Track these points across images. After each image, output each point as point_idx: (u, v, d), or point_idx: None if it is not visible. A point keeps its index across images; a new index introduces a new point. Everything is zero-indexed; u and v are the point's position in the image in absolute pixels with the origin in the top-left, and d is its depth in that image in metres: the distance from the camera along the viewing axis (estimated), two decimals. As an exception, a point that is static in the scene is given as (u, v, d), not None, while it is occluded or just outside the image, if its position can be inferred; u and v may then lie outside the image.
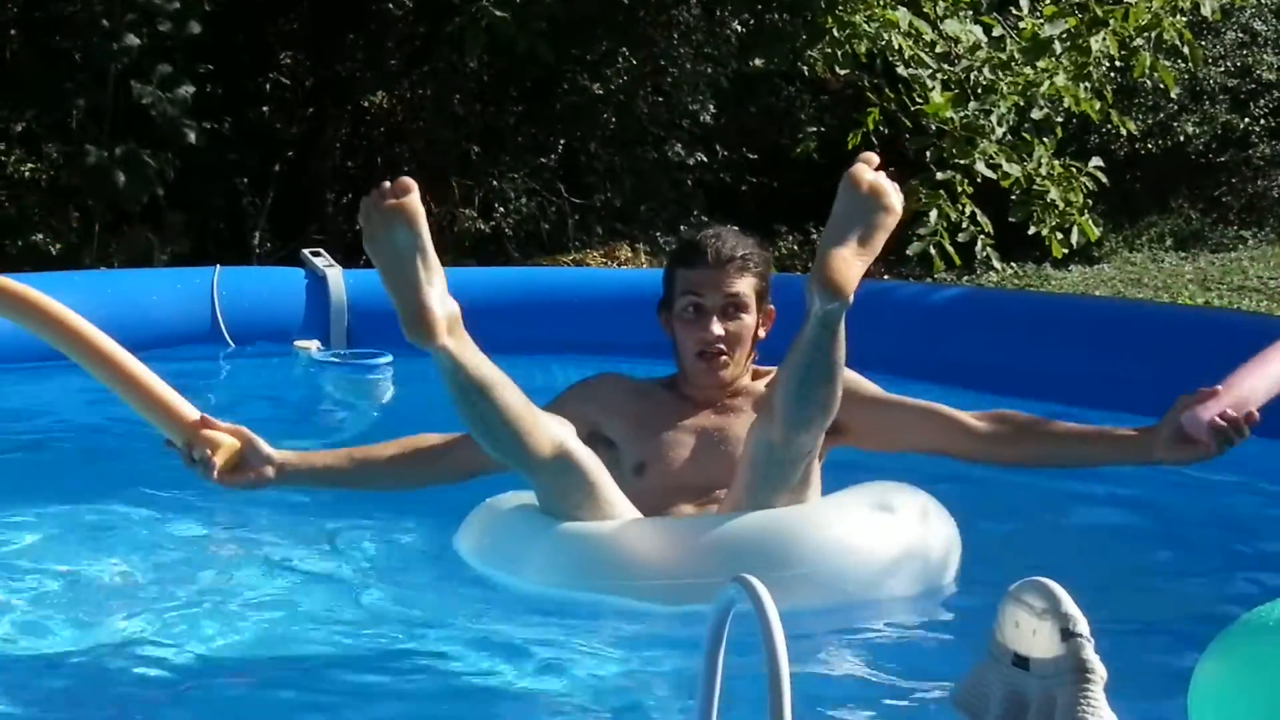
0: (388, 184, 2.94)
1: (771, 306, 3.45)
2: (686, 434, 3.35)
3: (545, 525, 3.22)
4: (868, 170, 2.98)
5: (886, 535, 3.19)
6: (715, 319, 3.33)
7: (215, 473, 3.17)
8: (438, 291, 2.96)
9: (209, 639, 3.06)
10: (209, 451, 3.17)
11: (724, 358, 3.35)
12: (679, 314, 3.38)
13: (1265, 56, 11.73)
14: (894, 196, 2.98)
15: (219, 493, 3.47)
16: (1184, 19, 7.54)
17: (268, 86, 10.62)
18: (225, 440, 3.20)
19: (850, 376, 3.18)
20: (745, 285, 3.36)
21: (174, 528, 3.84)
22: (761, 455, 3.11)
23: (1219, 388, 3.11)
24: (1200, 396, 3.10)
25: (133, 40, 8.57)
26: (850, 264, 2.92)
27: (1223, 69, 11.64)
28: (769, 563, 3.00)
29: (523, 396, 3.09)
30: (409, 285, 2.94)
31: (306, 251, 6.54)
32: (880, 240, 2.99)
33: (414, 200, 2.93)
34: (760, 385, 3.41)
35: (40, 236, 9.04)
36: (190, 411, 3.21)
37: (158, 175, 8.70)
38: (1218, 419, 3.06)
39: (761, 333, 3.42)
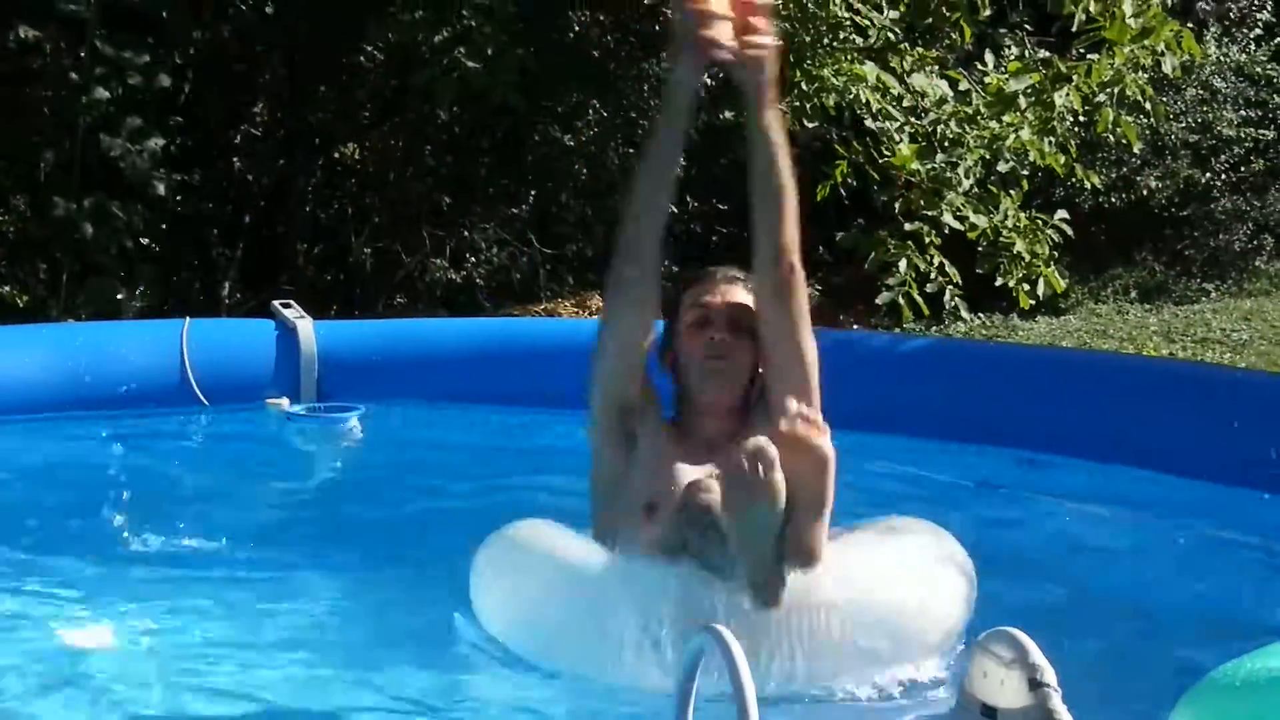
0: (753, 454, 2.87)
1: None
2: (699, 476, 3.29)
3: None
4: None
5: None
6: (721, 325, 3.38)
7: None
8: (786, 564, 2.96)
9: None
10: None
11: (727, 361, 3.37)
12: (686, 327, 3.42)
13: (1225, 113, 11.88)
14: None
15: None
16: (1145, 76, 7.64)
17: (239, 138, 10.64)
18: None
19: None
20: (748, 299, 3.40)
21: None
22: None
23: None
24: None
25: (102, 93, 8.58)
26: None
27: (1184, 125, 11.79)
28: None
29: None
30: (761, 560, 2.94)
31: (277, 303, 6.53)
32: None
33: (779, 479, 2.89)
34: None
35: (7, 288, 9.01)
36: None
37: (126, 227, 8.69)
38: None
39: (761, 369, 3.42)
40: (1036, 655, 1.79)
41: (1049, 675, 1.77)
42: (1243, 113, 11.98)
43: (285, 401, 6.08)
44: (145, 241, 8.98)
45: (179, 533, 4.41)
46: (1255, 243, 11.99)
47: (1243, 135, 11.91)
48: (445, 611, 3.54)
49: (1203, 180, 11.86)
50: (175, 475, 5.36)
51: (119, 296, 8.78)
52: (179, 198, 9.23)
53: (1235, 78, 12.03)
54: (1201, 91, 11.89)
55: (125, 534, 4.09)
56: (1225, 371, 7.39)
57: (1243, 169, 12.07)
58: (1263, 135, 12.02)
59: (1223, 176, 11.96)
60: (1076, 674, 1.93)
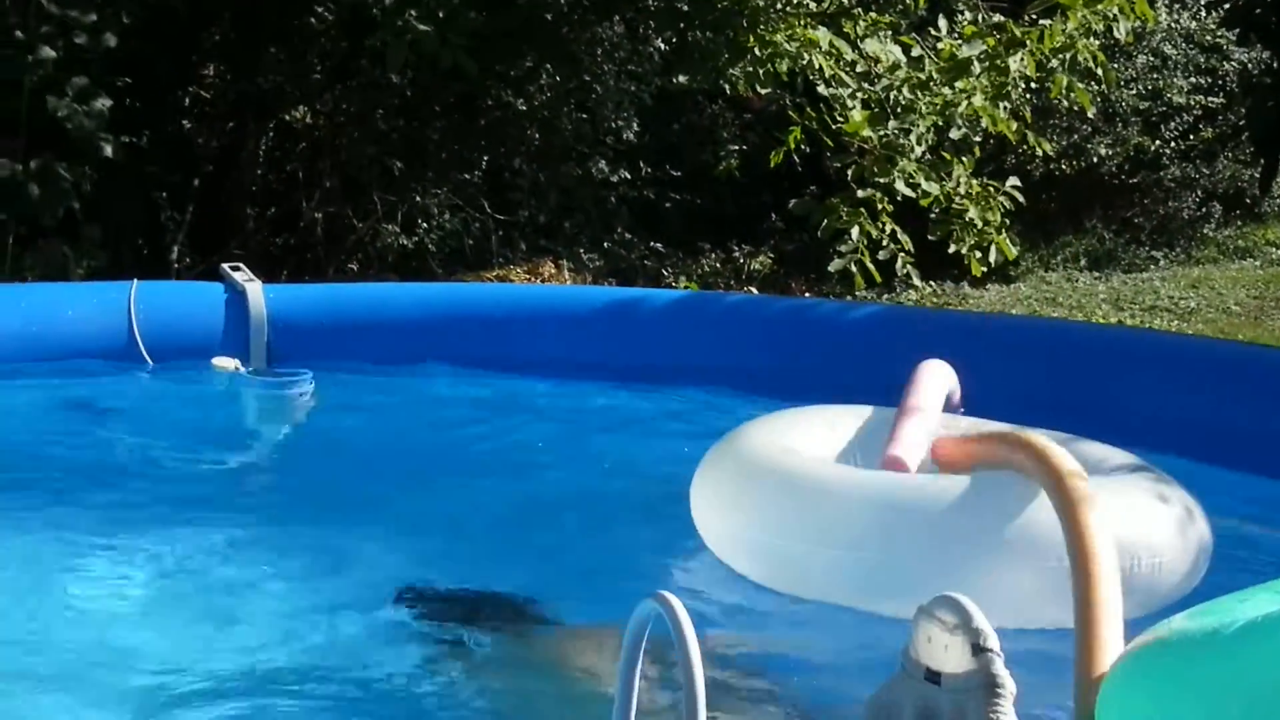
0: None
1: None
2: None
3: None
4: None
5: None
6: None
7: None
8: None
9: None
10: None
11: None
12: None
13: (1175, 80, 11.95)
14: None
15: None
16: (1097, 41, 7.67)
17: (187, 100, 10.51)
18: None
19: None
20: None
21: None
22: None
23: None
24: None
25: (48, 53, 8.45)
26: None
27: (1135, 92, 11.85)
28: None
29: None
30: None
31: (226, 266, 6.48)
32: None
33: None
34: None
35: (-47, 250, 8.88)
36: None
37: (74, 189, 8.58)
38: None
39: None
40: (980, 621, 1.81)
41: (992, 640, 1.79)
42: (1193, 79, 12.05)
43: (233, 363, 6.02)
44: (93, 203, 8.87)
45: (126, 492, 4.39)
46: (1204, 210, 12.09)
47: (1192, 103, 11.99)
48: (394, 570, 3.54)
49: (1152, 148, 11.94)
50: (122, 437, 5.32)
51: (66, 257, 8.68)
52: (127, 160, 9.11)
53: (1186, 44, 12.09)
54: (1152, 58, 11.96)
55: (71, 493, 4.06)
56: (1174, 339, 7.46)
57: (1192, 137, 12.15)
58: (1212, 103, 12.10)
59: (1172, 144, 12.04)
60: (1015, 641, 1.95)
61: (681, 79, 10.06)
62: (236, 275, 6.31)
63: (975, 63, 7.47)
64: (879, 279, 7.67)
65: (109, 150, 8.66)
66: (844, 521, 3.44)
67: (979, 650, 1.79)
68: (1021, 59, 7.40)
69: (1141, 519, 3.47)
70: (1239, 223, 12.15)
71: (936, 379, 4.17)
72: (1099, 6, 7.21)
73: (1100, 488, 3.36)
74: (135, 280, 6.24)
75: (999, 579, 3.30)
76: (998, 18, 8.44)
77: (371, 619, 3.30)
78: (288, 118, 10.78)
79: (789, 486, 3.54)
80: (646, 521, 4.36)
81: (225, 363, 6.03)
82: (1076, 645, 2.71)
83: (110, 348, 5.99)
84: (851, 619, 3.33)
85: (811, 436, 3.90)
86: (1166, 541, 3.47)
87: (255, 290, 6.20)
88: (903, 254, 7.59)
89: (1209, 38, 12.15)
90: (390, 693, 2.98)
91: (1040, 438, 3.45)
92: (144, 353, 5.98)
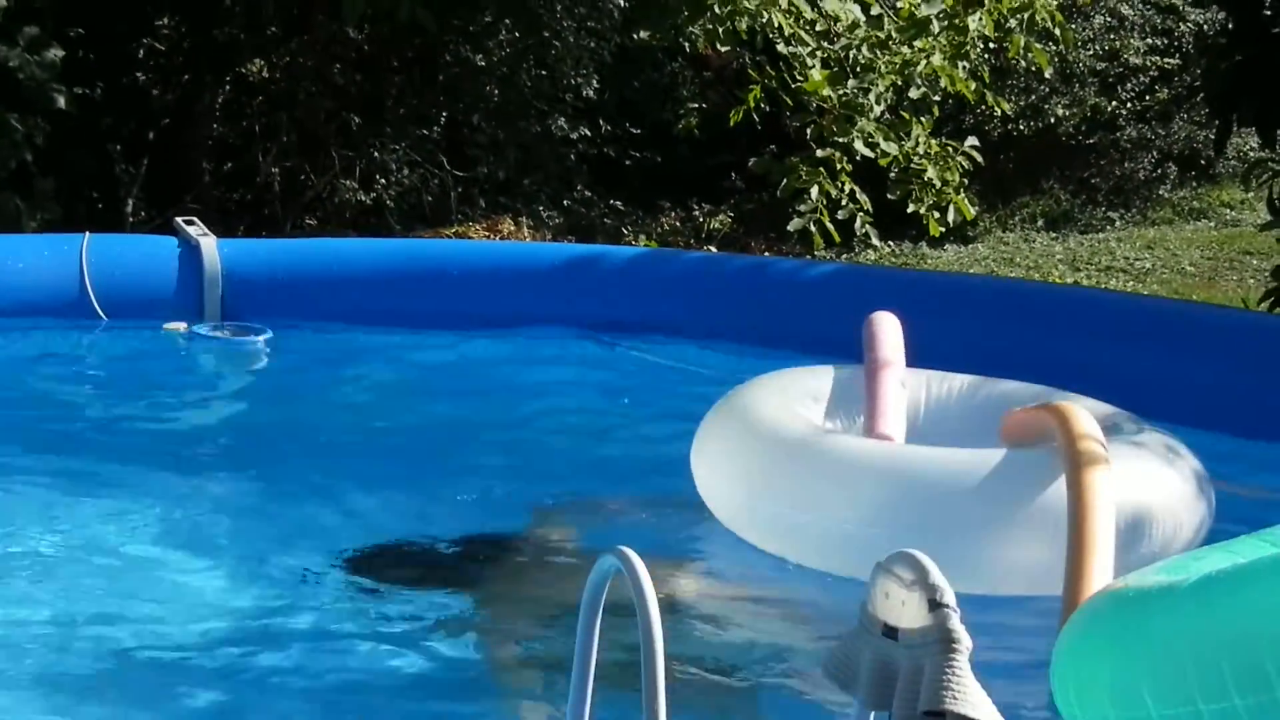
0: None
1: None
2: None
3: None
4: None
5: None
6: None
7: None
8: None
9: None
10: None
11: None
12: None
13: (1132, 41, 11.99)
14: None
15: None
16: (1055, 1, 7.68)
17: (142, 52, 10.38)
18: None
19: None
20: None
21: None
22: None
23: None
24: None
25: (-1, 1, 8.31)
26: None
27: (1091, 52, 11.89)
28: None
29: None
30: None
31: (180, 220, 6.41)
32: None
33: None
34: None
35: (-98, 202, 8.76)
36: None
37: (25, 140, 8.47)
38: None
39: None
40: (937, 577, 1.82)
41: (948, 596, 1.80)
42: (1149, 40, 12.10)
43: (182, 325, 5.96)
44: (46, 155, 8.75)
45: (77, 449, 4.35)
46: (1159, 171, 12.16)
47: (1149, 63, 12.04)
48: (350, 530, 3.54)
49: (1109, 108, 11.98)
50: (74, 392, 5.28)
51: (18, 210, 8.57)
52: (80, 112, 8.99)
53: (1143, 5, 12.13)
54: (1110, 19, 11.99)
55: (21, 450, 4.03)
56: (1128, 298, 7.52)
57: (1148, 98, 12.21)
58: (1168, 63, 12.15)
59: (1128, 105, 12.09)
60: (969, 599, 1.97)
61: (642, 35, 10.02)
62: (190, 229, 6.25)
63: (934, 22, 7.46)
64: (838, 239, 7.68)
65: (62, 101, 8.54)
66: (865, 495, 3.48)
67: (935, 606, 1.80)
68: (980, 18, 7.40)
69: (1160, 484, 3.57)
70: (1194, 184, 12.23)
71: (894, 332, 4.20)
72: (1059, -36, 7.22)
73: (1125, 454, 3.46)
74: (87, 233, 6.17)
75: (1018, 551, 3.38)
76: (957, -23, 8.43)
77: (326, 574, 3.30)
78: (244, 71, 10.66)
79: (818, 462, 3.55)
80: (615, 477, 4.37)
81: (175, 325, 5.96)
82: (1064, 587, 2.78)
83: (62, 300, 5.92)
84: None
85: (818, 402, 3.94)
86: (1186, 505, 3.57)
87: (209, 245, 6.14)
88: (861, 214, 7.60)
89: (1165, -1, 12.21)
90: (347, 650, 2.98)
91: (1069, 405, 3.53)
92: (97, 307, 5.91)
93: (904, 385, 4.00)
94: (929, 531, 3.27)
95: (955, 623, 1.78)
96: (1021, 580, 3.38)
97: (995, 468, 3.48)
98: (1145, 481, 3.56)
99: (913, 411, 4.04)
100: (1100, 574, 2.92)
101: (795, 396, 3.91)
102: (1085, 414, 3.48)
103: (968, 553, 3.32)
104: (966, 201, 7.70)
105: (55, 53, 8.59)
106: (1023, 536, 3.42)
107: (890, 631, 1.84)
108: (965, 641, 1.78)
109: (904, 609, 1.81)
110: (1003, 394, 4.09)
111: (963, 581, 2.49)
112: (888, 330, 4.18)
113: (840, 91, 7.44)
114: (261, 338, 5.83)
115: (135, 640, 3.00)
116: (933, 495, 3.45)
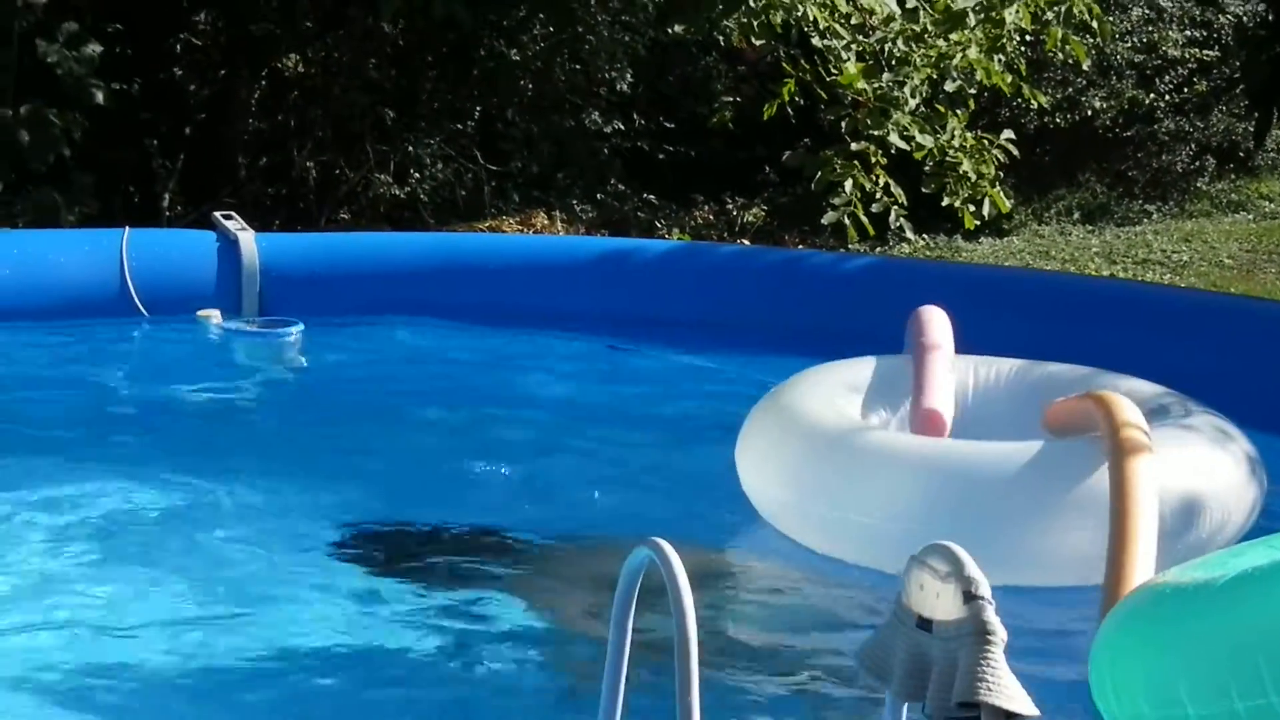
0: None
1: None
2: None
3: None
4: None
5: None
6: None
7: None
8: None
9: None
10: None
11: None
12: None
13: (1170, 33, 11.89)
14: None
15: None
16: (1094, -7, 7.64)
17: (179, 47, 10.44)
18: None
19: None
20: None
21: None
22: None
23: None
24: None
25: (39, -3, 8.39)
26: None
27: (1129, 45, 11.79)
28: None
29: None
30: None
31: (218, 214, 6.45)
32: None
33: None
34: None
35: (-57, 197, 8.84)
36: None
37: (64, 135, 8.54)
38: None
39: None
40: (972, 569, 1.82)
41: (984, 588, 1.80)
42: (1188, 33, 11.99)
43: (217, 314, 6.00)
44: (84, 150, 8.83)
45: (116, 443, 4.39)
46: (1197, 164, 12.06)
47: (1187, 55, 11.94)
48: (388, 519, 3.55)
49: (1147, 101, 11.89)
50: (113, 386, 5.32)
51: (57, 204, 8.65)
52: (118, 107, 9.06)
53: (1181, -3, 12.04)
54: (1148, 11, 11.90)
55: (64, 443, 4.06)
56: (1166, 291, 7.47)
57: (1186, 90, 12.11)
58: (1207, 56, 12.06)
59: (1166, 97, 12.00)
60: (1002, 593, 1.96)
61: (676, 29, 10.01)
62: (229, 224, 6.29)
63: (970, 15, 7.43)
64: (872, 232, 7.66)
65: (100, 97, 8.62)
66: (908, 490, 3.48)
67: (970, 598, 1.80)
68: (1017, 11, 7.37)
69: (1208, 469, 3.57)
70: (1232, 176, 12.12)
71: (942, 322, 4.22)
72: (1095, -41, 7.18)
73: (1172, 439, 3.47)
74: (127, 227, 6.21)
75: (1062, 544, 3.38)
76: (993, -30, 8.40)
77: (353, 566, 3.32)
78: (280, 65, 10.71)
79: (862, 458, 3.55)
80: (648, 470, 4.38)
81: (208, 313, 6.00)
82: (1105, 577, 2.77)
83: (102, 294, 5.96)
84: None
85: (861, 395, 3.95)
86: (1235, 490, 3.57)
87: (247, 239, 6.18)
88: (896, 207, 7.58)
89: (1205, -11, 12.10)
90: (378, 642, 3.00)
91: (1111, 394, 3.52)
92: (137, 301, 5.95)
93: (952, 369, 4.01)
94: (973, 525, 3.27)
95: (990, 615, 1.78)
96: (1068, 572, 3.37)
97: (1037, 460, 3.46)
98: (1192, 467, 3.53)
99: (960, 395, 4.04)
100: (1141, 567, 2.91)
101: (839, 390, 3.91)
102: (1128, 402, 3.45)
103: (1012, 547, 3.31)
104: (1002, 195, 7.67)
105: (94, 48, 8.67)
106: (1066, 528, 3.41)
107: (925, 624, 1.83)
108: (1000, 633, 1.78)
109: (939, 601, 1.81)
110: (1050, 376, 4.07)
111: (1007, 575, 2.48)
112: (936, 321, 4.20)
113: (875, 85, 7.43)
114: (294, 331, 5.86)
115: (184, 629, 3.03)
116: (976, 489, 3.43)
